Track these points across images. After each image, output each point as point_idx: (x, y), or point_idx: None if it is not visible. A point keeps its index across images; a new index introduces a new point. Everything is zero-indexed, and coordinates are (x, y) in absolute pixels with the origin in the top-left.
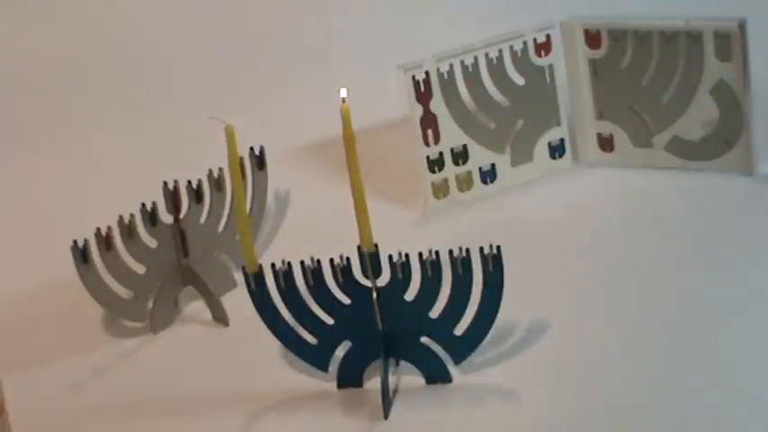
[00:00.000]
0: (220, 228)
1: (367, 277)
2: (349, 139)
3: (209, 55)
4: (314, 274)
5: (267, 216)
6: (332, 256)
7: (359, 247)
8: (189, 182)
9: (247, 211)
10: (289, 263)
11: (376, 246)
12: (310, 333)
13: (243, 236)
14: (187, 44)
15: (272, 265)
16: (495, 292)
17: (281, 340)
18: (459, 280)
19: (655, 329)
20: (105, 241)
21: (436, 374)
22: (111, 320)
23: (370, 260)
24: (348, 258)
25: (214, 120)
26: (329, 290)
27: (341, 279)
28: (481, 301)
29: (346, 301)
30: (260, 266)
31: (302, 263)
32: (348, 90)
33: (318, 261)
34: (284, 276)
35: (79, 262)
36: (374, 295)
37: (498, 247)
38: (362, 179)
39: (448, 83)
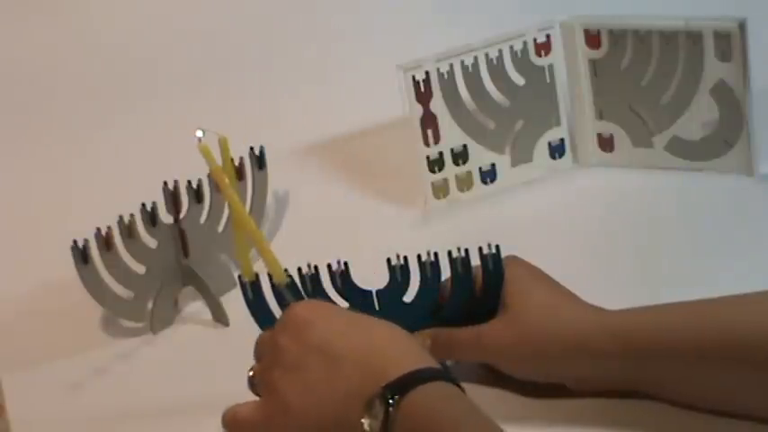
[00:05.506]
0: (220, 228)
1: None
2: (217, 173)
3: (208, 55)
4: (311, 280)
5: (266, 216)
6: (329, 262)
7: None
8: (189, 182)
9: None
10: (285, 270)
11: (257, 275)
12: None
13: (239, 247)
14: (187, 44)
15: (269, 276)
16: (495, 290)
17: None
18: (459, 280)
19: None
20: (105, 241)
21: None
22: (111, 320)
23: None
24: (346, 263)
25: (207, 131)
26: (327, 295)
27: (339, 284)
28: (481, 301)
29: (344, 305)
30: (257, 275)
31: (299, 270)
32: (204, 132)
33: (316, 267)
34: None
35: (79, 262)
36: (375, 299)
37: (497, 246)
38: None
39: (448, 83)
